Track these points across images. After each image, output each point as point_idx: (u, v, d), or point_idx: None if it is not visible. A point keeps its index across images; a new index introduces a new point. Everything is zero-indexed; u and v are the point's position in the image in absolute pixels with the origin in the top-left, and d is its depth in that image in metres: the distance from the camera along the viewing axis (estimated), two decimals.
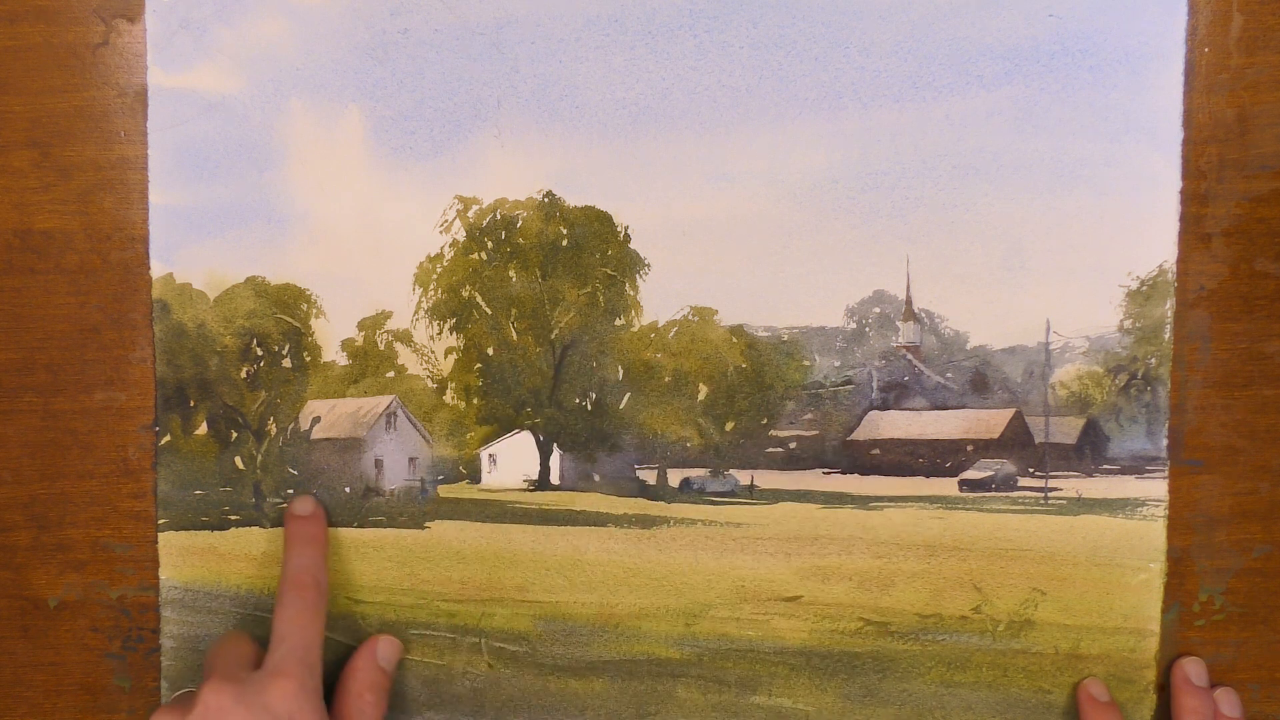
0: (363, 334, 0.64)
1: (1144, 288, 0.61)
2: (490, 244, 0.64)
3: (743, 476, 0.64)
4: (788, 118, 0.61)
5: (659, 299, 0.63)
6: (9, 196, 0.65)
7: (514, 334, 0.64)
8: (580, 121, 0.62)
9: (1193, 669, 0.62)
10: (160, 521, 0.66)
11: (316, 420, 0.65)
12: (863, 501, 0.63)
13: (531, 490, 0.65)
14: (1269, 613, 0.63)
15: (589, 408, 0.64)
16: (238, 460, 0.66)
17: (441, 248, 0.64)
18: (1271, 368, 0.62)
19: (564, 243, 0.63)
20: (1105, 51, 0.60)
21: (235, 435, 0.65)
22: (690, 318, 0.63)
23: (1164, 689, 0.62)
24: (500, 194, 0.63)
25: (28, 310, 0.65)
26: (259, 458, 0.65)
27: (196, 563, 0.65)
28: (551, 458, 0.65)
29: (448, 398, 0.65)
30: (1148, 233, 0.60)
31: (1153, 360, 0.61)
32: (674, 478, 0.64)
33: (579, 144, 0.62)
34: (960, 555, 0.63)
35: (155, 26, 0.63)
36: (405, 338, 0.64)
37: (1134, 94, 0.60)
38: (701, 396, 0.64)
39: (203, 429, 0.65)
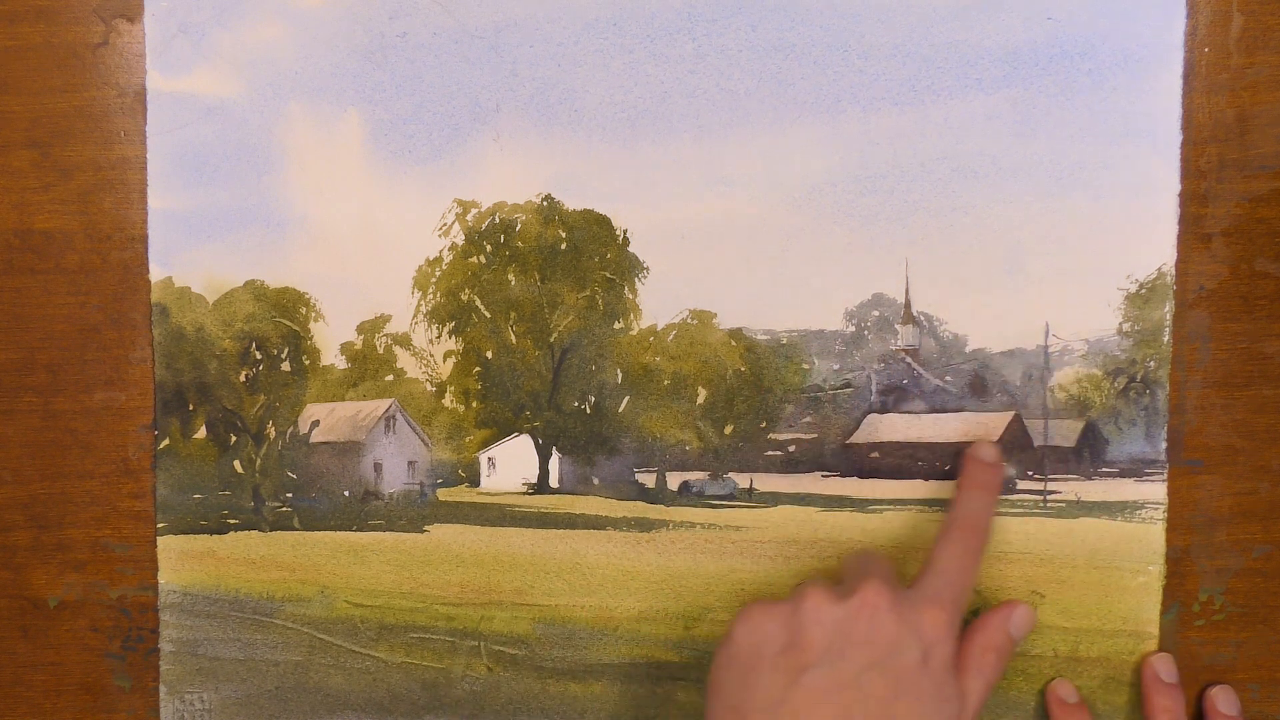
0: (362, 337, 0.64)
1: (1143, 290, 0.61)
2: (489, 247, 0.64)
3: (742, 480, 0.64)
4: (787, 121, 0.61)
5: (658, 302, 0.63)
6: (9, 196, 0.65)
7: (513, 337, 0.64)
8: (579, 125, 0.62)
9: (1162, 666, 0.61)
10: (159, 525, 0.66)
11: (315, 424, 0.65)
12: (862, 505, 0.63)
13: (530, 494, 0.65)
14: (1269, 613, 0.63)
15: (588, 411, 0.64)
16: (236, 464, 0.66)
17: (440, 251, 0.64)
18: (1271, 368, 0.62)
19: (563, 246, 0.63)
20: (1103, 54, 0.60)
21: (234, 439, 0.65)
22: (689, 321, 0.63)
23: None
24: (499, 197, 0.63)
25: (28, 310, 0.65)
26: (258, 461, 0.65)
27: (195, 567, 0.66)
28: (550, 461, 0.65)
29: (447, 401, 0.65)
30: (1146, 235, 0.60)
31: (1151, 363, 0.61)
32: (673, 481, 0.64)
33: (578, 147, 0.62)
34: None
35: (153, 30, 0.63)
36: (404, 341, 0.65)
37: (1132, 96, 0.60)
38: (700, 400, 0.64)
39: (202, 433, 0.65)
